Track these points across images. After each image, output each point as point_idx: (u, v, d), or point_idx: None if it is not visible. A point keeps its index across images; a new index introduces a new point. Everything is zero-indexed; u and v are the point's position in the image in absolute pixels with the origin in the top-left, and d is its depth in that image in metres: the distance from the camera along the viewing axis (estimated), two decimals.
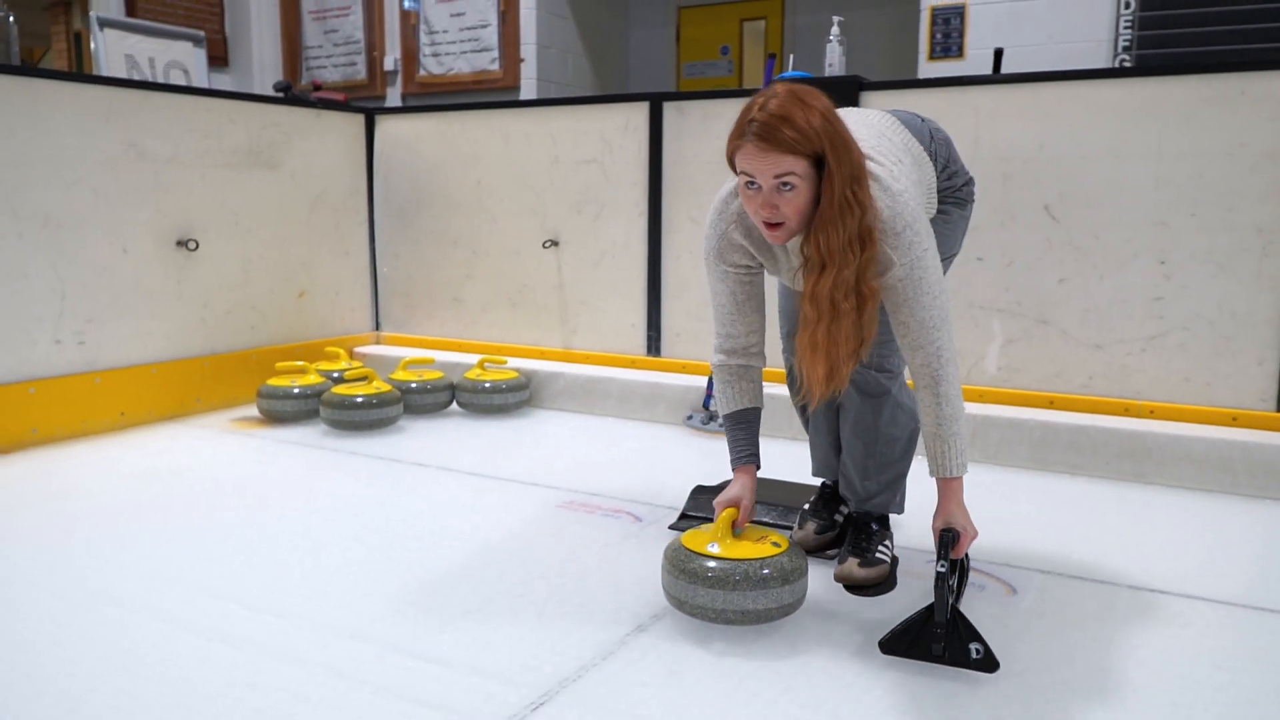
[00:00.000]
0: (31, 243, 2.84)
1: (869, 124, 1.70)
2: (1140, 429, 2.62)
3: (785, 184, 1.47)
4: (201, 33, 5.39)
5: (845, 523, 2.01)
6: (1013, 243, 2.90)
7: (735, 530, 1.70)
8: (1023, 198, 2.87)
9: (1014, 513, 2.36)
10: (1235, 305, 2.65)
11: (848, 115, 1.65)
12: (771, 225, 1.54)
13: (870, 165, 1.54)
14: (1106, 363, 2.81)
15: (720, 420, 1.93)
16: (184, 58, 5.28)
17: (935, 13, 4.78)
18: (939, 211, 1.81)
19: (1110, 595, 1.85)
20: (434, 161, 3.88)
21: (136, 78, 4.95)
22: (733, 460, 1.79)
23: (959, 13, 4.76)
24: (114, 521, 2.23)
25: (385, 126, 3.97)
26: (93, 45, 4.96)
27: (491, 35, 6.03)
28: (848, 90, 3.05)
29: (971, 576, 1.92)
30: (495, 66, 6.02)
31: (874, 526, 1.88)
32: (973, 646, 1.49)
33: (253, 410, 3.32)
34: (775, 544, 1.68)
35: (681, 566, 1.65)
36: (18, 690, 1.45)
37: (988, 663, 1.48)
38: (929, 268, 1.55)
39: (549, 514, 2.32)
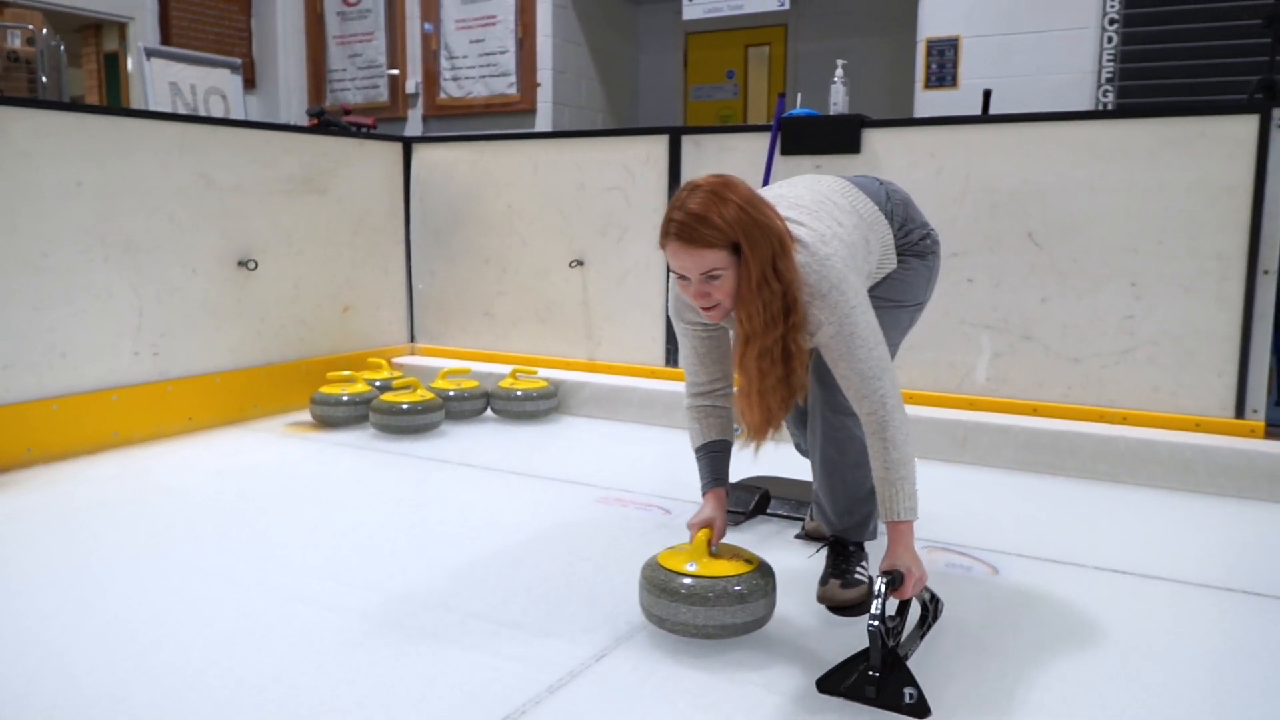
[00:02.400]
0: (116, 266, 3.14)
1: (815, 190, 1.84)
2: (1113, 434, 2.93)
3: (712, 275, 1.59)
4: (238, 60, 5.70)
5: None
6: (1000, 266, 3.21)
7: (711, 549, 1.80)
8: (1009, 226, 3.18)
9: (999, 507, 2.67)
10: (1198, 323, 2.96)
11: (795, 184, 1.88)
12: (705, 309, 1.66)
13: (798, 230, 1.66)
14: (1084, 374, 3.12)
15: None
16: (222, 84, 5.59)
17: (930, 45, 5.11)
18: (900, 263, 1.93)
19: (1080, 574, 2.15)
20: (467, 186, 4.20)
21: (180, 103, 5.26)
22: (703, 486, 1.90)
23: (953, 45, 5.08)
24: (208, 513, 2.54)
25: (421, 154, 4.29)
26: (139, 71, 5.27)
27: (509, 61, 6.35)
28: (851, 128, 3.37)
29: (958, 559, 2.23)
30: (513, 90, 6.34)
31: (851, 548, 1.98)
32: (906, 691, 1.54)
33: (305, 416, 3.63)
34: (748, 561, 1.78)
35: (664, 586, 1.72)
36: (169, 647, 1.75)
37: (920, 708, 1.52)
38: (859, 323, 1.63)
39: (588, 507, 2.62)
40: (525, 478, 2.92)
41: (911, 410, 3.31)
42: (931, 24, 5.10)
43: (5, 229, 2.84)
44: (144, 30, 6.65)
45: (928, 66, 5.13)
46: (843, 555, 1.96)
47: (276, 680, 1.62)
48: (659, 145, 3.74)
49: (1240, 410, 2.93)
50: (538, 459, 3.16)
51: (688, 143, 3.69)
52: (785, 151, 3.46)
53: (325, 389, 3.53)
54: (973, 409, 3.23)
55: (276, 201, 3.68)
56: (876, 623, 1.54)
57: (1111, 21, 4.78)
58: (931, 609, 1.80)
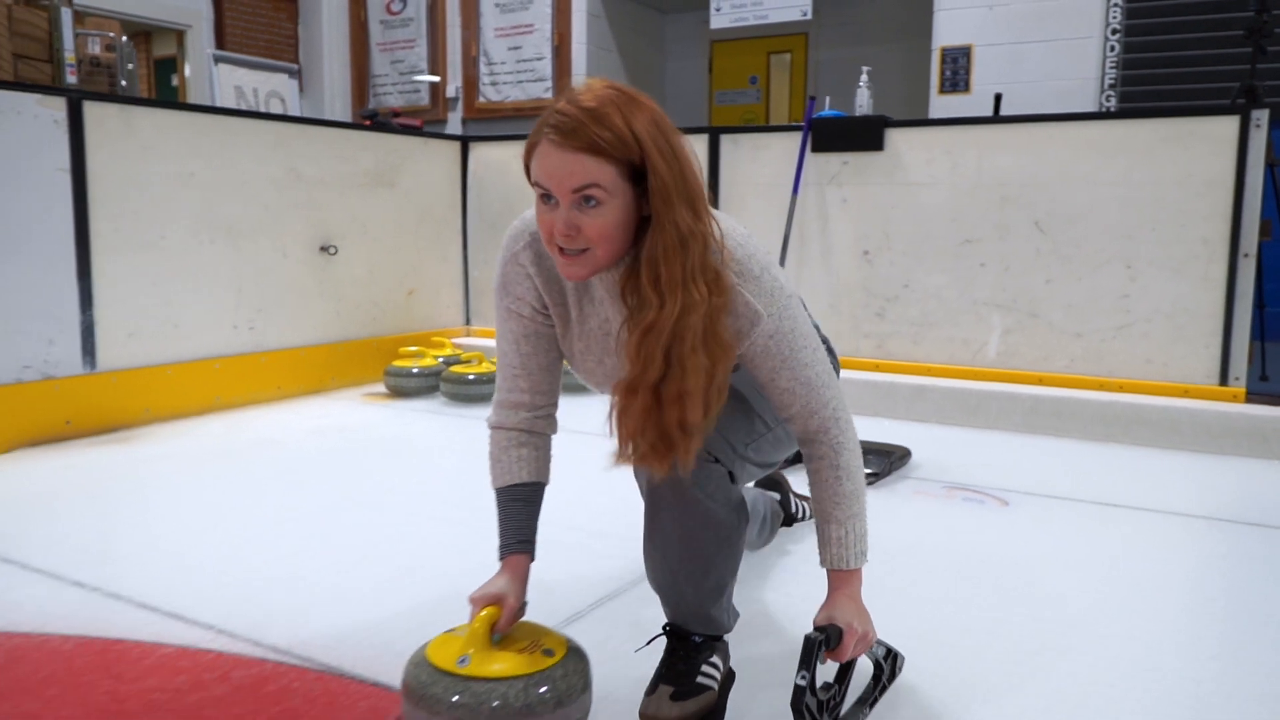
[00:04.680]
0: (219, 248, 3.53)
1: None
2: (1111, 399, 3.29)
3: (588, 198, 1.17)
4: (296, 65, 6.11)
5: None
6: (1009, 252, 3.57)
7: (494, 636, 1.32)
8: (1017, 215, 3.55)
9: (1008, 460, 3.03)
10: (1186, 302, 3.32)
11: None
12: (568, 255, 1.22)
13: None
14: (1085, 348, 3.48)
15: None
16: (281, 88, 5.98)
17: (945, 53, 5.48)
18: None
19: (1080, 508, 2.52)
20: (519, 182, 4.53)
21: (244, 105, 5.65)
22: (500, 547, 1.43)
23: (965, 53, 5.45)
24: (313, 459, 2.92)
25: (478, 153, 4.67)
26: (203, 75, 5.66)
27: (545, 67, 6.73)
28: (875, 128, 3.74)
29: (973, 495, 2.60)
30: (548, 94, 6.72)
31: (697, 638, 1.42)
32: None
33: (378, 387, 4.01)
34: (548, 651, 1.32)
35: (421, 692, 1.27)
36: (357, 565, 2.13)
37: None
38: (799, 318, 1.30)
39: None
40: (586, 435, 3.29)
41: (926, 381, 3.73)
42: (946, 34, 5.47)
43: (130, 213, 3.23)
44: (200, 37, 7.06)
45: (942, 73, 5.49)
46: (681, 652, 1.41)
47: (411, 571, 2.00)
48: (699, 143, 4.11)
49: (1224, 378, 3.28)
50: (591, 422, 3.52)
51: (726, 140, 4.06)
52: (815, 149, 3.84)
53: (397, 362, 3.91)
54: (984, 380, 3.59)
55: (354, 194, 4.06)
56: (803, 684, 1.22)
57: (1114, 31, 5.15)
58: (887, 667, 1.43)
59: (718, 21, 6.01)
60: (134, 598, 1.83)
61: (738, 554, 1.42)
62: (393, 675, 1.48)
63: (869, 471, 2.66)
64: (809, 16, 5.73)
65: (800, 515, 2.23)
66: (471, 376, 3.74)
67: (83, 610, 1.79)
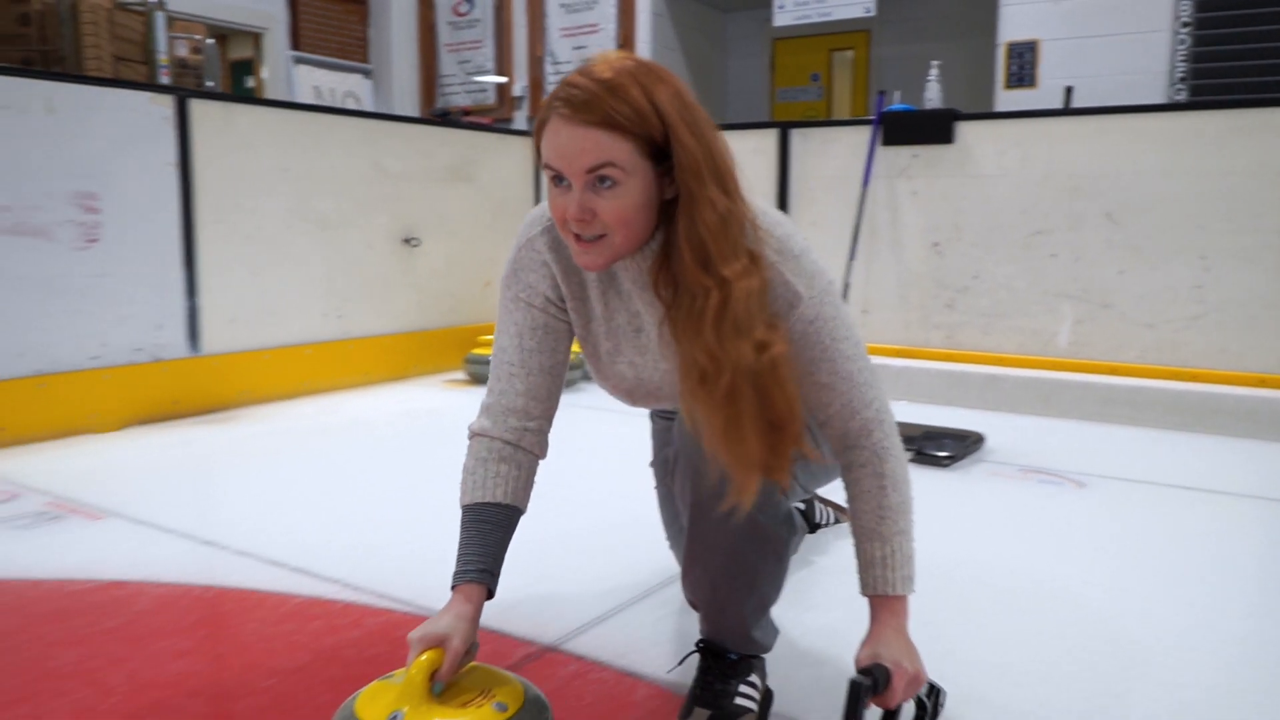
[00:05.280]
0: (312, 239, 3.69)
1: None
2: (1185, 389, 3.31)
3: (604, 178, 1.07)
4: (370, 66, 6.30)
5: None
6: (1080, 243, 3.60)
7: (435, 687, 1.13)
8: (1089, 206, 3.58)
9: (1082, 446, 3.07)
10: (1261, 291, 3.32)
11: None
12: (583, 241, 1.12)
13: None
14: (1158, 338, 3.50)
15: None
16: (356, 88, 6.19)
17: (1011, 47, 5.49)
18: None
19: (1158, 491, 2.56)
20: None
21: (321, 104, 5.86)
22: (455, 573, 1.23)
23: (1031, 47, 5.46)
24: (409, 440, 3.06)
25: None
26: (281, 75, 5.87)
27: None
28: (944, 121, 3.79)
29: (1049, 477, 2.65)
30: None
31: (733, 655, 1.32)
32: None
33: (458, 374, 4.15)
34: (500, 705, 1.12)
35: None
36: (419, 518, 2.26)
37: None
38: (840, 307, 1.19)
39: None
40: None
41: (998, 371, 3.77)
42: (1011, 29, 5.47)
43: (231, 206, 3.40)
44: (276, 40, 7.29)
45: (1008, 68, 5.50)
46: (717, 670, 1.31)
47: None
48: (768, 138, 4.20)
49: None
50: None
51: (796, 135, 4.13)
52: (885, 142, 3.90)
53: (477, 350, 4.04)
54: (1056, 370, 3.62)
55: (435, 188, 4.21)
56: None
57: (1184, 25, 5.12)
58: (929, 704, 1.27)
59: (781, 19, 6.07)
60: (261, 555, 1.97)
61: (784, 570, 1.31)
62: (508, 624, 1.60)
63: (943, 454, 2.73)
64: (873, 13, 5.77)
65: (824, 521, 2.04)
66: None
67: (216, 564, 1.93)
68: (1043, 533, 2.19)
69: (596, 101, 1.05)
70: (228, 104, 3.42)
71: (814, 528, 2.04)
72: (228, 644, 1.60)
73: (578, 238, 1.12)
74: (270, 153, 3.52)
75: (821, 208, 4.06)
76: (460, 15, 7.53)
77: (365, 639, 1.59)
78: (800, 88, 7.37)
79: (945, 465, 2.72)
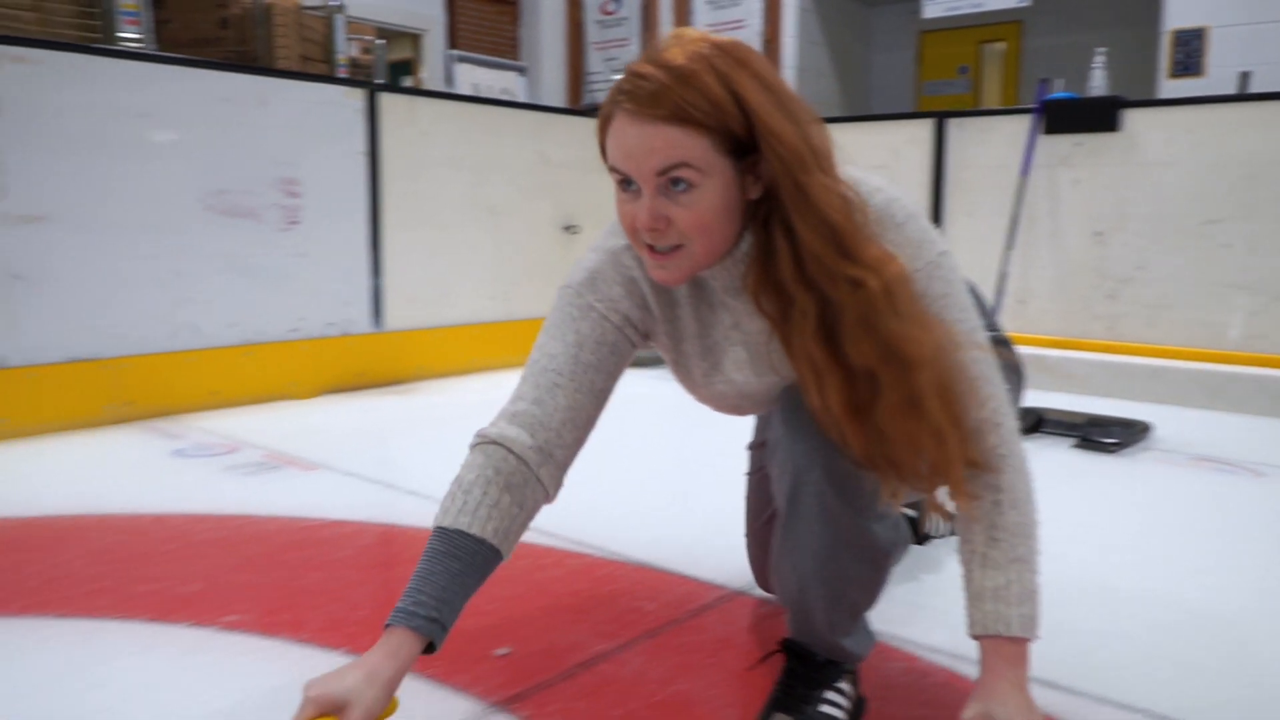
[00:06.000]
0: (482, 225, 3.91)
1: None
2: None
3: (677, 180, 0.96)
4: (525, 64, 6.54)
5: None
6: (1256, 232, 3.48)
7: None
8: (1264, 195, 3.46)
9: (1259, 437, 2.98)
10: None
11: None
12: (658, 254, 1.01)
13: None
14: None
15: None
16: (510, 85, 6.45)
17: (1177, 35, 5.31)
18: None
19: None
20: None
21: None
22: (397, 608, 1.02)
23: (1199, 35, 5.26)
24: None
25: None
26: (441, 74, 6.17)
27: None
28: (1109, 108, 3.73)
29: (1225, 466, 2.60)
30: None
31: (820, 658, 1.17)
32: None
33: None
34: None
35: None
36: (668, 492, 2.40)
37: None
38: (955, 283, 1.04)
39: None
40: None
41: (1164, 363, 3.68)
42: (1178, 16, 5.30)
43: (409, 194, 3.64)
44: (434, 40, 7.65)
45: (1173, 56, 5.32)
46: (802, 674, 1.17)
47: (682, 495, 2.23)
48: (923, 128, 4.20)
49: None
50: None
51: (952, 125, 4.13)
52: (1047, 131, 3.86)
53: None
54: (1228, 363, 3.52)
55: (592, 177, 4.38)
56: None
57: None
58: None
59: (931, 11, 6.02)
60: None
61: (883, 580, 1.16)
62: (698, 569, 1.71)
63: (1110, 440, 2.71)
64: (1028, 3, 5.67)
65: (935, 532, 1.83)
66: None
67: (424, 510, 2.11)
68: (1220, 521, 2.17)
69: (666, 93, 0.93)
70: (411, 97, 3.66)
71: (923, 539, 1.82)
72: None
73: (651, 249, 1.01)
74: (447, 144, 3.74)
75: (977, 197, 4.05)
76: (608, 14, 7.73)
77: (569, 575, 1.73)
78: (947, 80, 7.28)
79: (1112, 451, 2.69)
